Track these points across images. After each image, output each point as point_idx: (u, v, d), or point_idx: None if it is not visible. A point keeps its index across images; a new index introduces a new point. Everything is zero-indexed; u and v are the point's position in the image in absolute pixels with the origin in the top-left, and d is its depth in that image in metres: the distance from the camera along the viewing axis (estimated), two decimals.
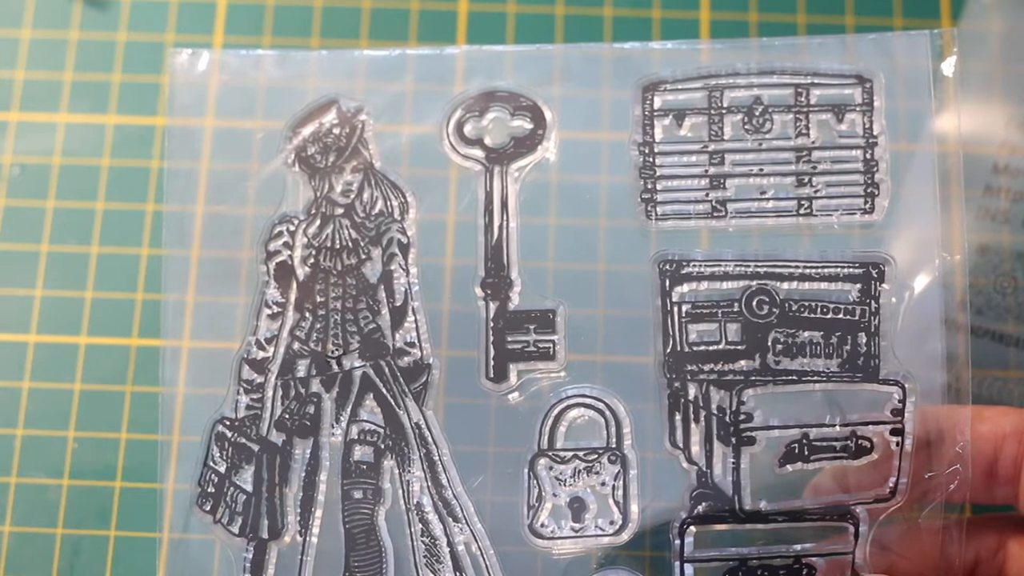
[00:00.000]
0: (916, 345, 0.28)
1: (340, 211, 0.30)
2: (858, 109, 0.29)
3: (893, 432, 0.27)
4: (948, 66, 0.29)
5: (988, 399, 0.32)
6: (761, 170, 0.29)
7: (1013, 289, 0.33)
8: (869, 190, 0.29)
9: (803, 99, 0.29)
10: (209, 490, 0.29)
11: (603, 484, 0.28)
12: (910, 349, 0.28)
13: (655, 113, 0.29)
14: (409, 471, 0.29)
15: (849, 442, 0.27)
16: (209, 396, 0.29)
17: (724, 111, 0.29)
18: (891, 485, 0.27)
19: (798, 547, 0.27)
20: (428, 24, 0.36)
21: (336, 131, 0.30)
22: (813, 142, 0.29)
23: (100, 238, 0.35)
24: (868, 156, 0.29)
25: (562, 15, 0.37)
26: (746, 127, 0.29)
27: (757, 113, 0.29)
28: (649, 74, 0.29)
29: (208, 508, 0.29)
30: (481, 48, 0.31)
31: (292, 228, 0.30)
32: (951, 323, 0.33)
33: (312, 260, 0.29)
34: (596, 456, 0.28)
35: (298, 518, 0.29)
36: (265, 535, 0.28)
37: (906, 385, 0.27)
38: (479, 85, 0.30)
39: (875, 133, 0.29)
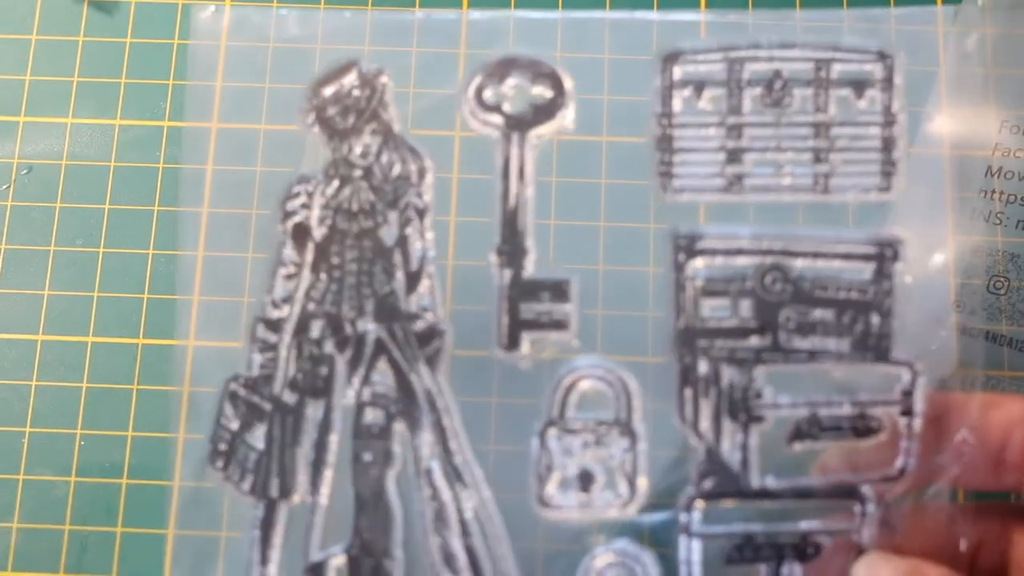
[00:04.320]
0: (928, 327, 0.28)
1: (358, 173, 0.29)
2: (878, 86, 0.29)
3: (903, 413, 0.27)
4: (971, 41, 0.30)
5: None
6: (779, 145, 0.28)
7: (1006, 290, 0.33)
8: (886, 168, 0.28)
9: (823, 74, 0.29)
10: (221, 448, 0.29)
11: (612, 457, 0.28)
12: (922, 331, 0.28)
13: (675, 84, 0.29)
14: (419, 436, 0.28)
15: (858, 422, 0.27)
16: (219, 349, 0.29)
17: (744, 84, 0.29)
18: (899, 466, 0.27)
19: (804, 525, 0.27)
20: None
21: (356, 93, 0.30)
22: (832, 118, 0.28)
23: (107, 238, 0.35)
24: (887, 134, 0.28)
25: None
26: (765, 101, 0.29)
27: (777, 87, 0.29)
28: (671, 45, 0.29)
29: (220, 465, 0.29)
30: (499, 14, 0.31)
31: (310, 189, 0.29)
32: (945, 323, 0.34)
33: (329, 222, 0.29)
34: (606, 429, 0.28)
35: (309, 478, 0.28)
36: (275, 494, 0.28)
37: (916, 367, 0.27)
38: (499, 51, 0.30)
39: (894, 111, 0.28)
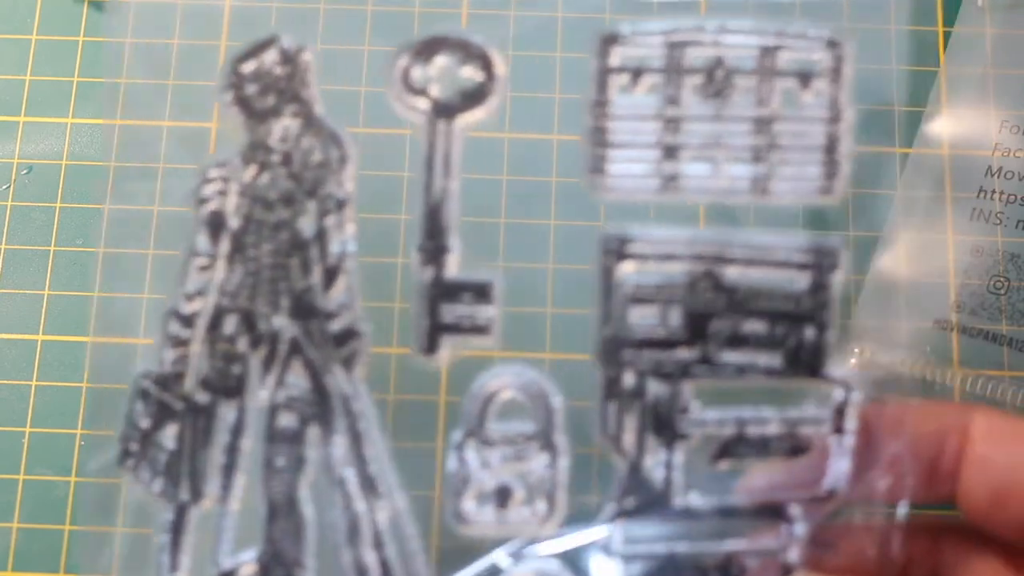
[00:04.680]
0: (872, 338, 0.27)
1: (277, 159, 0.28)
2: (826, 77, 0.27)
3: (834, 431, 0.26)
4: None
5: (982, 398, 0.33)
6: (717, 141, 0.27)
7: (1006, 290, 0.34)
8: (829, 169, 0.27)
9: (768, 62, 0.27)
10: (132, 448, 0.27)
11: (531, 472, 0.27)
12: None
13: (611, 69, 0.27)
14: (333, 441, 0.27)
15: (787, 440, 0.26)
16: (119, 347, 0.29)
17: (683, 71, 0.27)
18: (828, 485, 0.26)
19: (730, 545, 0.26)
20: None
21: (277, 71, 0.28)
22: (774, 113, 0.27)
23: (107, 239, 0.35)
24: (831, 131, 0.27)
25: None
26: (706, 91, 0.27)
27: (719, 76, 0.27)
28: (610, 27, 0.27)
29: (131, 465, 0.27)
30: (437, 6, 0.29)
31: (226, 175, 0.28)
32: (945, 323, 0.34)
33: (245, 211, 0.27)
34: (525, 442, 0.27)
35: (220, 482, 0.27)
36: (185, 497, 0.27)
37: (850, 384, 0.26)
38: (427, 31, 0.28)
39: (840, 105, 0.27)
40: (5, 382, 0.34)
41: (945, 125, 0.35)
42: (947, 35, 0.37)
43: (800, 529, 0.26)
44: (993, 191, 0.34)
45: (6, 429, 0.34)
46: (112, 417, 0.29)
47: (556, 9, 0.29)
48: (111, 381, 0.28)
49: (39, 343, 0.35)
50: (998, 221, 0.34)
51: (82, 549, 0.29)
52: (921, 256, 0.34)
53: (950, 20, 0.37)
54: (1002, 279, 0.34)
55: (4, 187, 0.36)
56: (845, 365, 0.26)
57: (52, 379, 0.34)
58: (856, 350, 0.33)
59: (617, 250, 0.27)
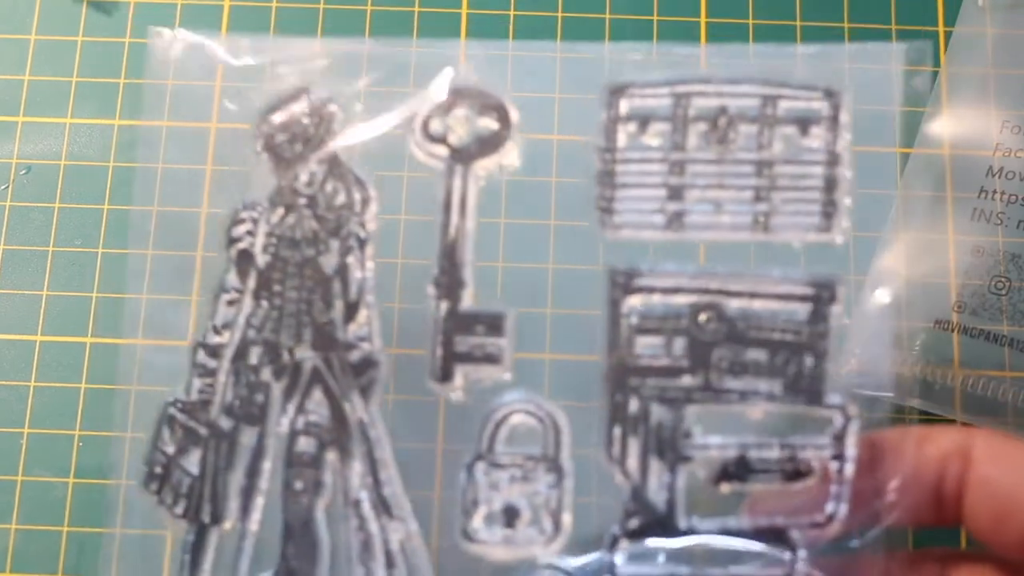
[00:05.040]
0: (866, 368, 0.28)
1: (303, 201, 0.29)
2: (824, 124, 0.28)
3: (834, 457, 0.26)
4: (922, 80, 0.29)
5: (982, 398, 0.33)
6: (721, 183, 0.28)
7: (1007, 290, 0.34)
8: (827, 209, 0.28)
9: (769, 111, 0.28)
10: (156, 471, 0.29)
11: (537, 493, 0.28)
12: (858, 373, 0.28)
13: (620, 118, 0.29)
14: (350, 466, 0.28)
15: (787, 465, 0.27)
16: (159, 393, 0.29)
17: (690, 119, 0.28)
18: (829, 511, 0.26)
19: (732, 568, 0.27)
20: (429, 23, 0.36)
21: (305, 120, 0.30)
22: (775, 156, 0.28)
23: (105, 239, 0.35)
24: (829, 174, 0.28)
25: (561, 18, 0.37)
26: (710, 137, 0.28)
27: (722, 123, 0.28)
28: (617, 78, 0.29)
29: (155, 488, 0.29)
30: (449, 46, 0.31)
31: (256, 216, 0.29)
32: (945, 323, 0.34)
33: (273, 249, 0.29)
34: (533, 464, 0.28)
35: (240, 504, 0.28)
36: (207, 519, 0.28)
37: (849, 410, 0.27)
38: (446, 82, 0.29)
39: (838, 150, 0.28)
40: (4, 383, 0.34)
41: (946, 125, 0.35)
42: (947, 35, 0.37)
43: (802, 554, 0.26)
44: (994, 191, 0.34)
45: (5, 430, 0.34)
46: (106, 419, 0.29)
47: (556, 55, 0.30)
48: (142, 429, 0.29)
49: (38, 343, 0.35)
50: (999, 221, 0.34)
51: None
52: (922, 256, 0.34)
53: (950, 20, 0.37)
54: (1003, 279, 0.34)
55: (3, 187, 0.36)
56: (844, 390, 0.27)
57: (51, 380, 0.34)
58: (856, 350, 0.33)
59: (624, 284, 0.28)
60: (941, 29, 0.37)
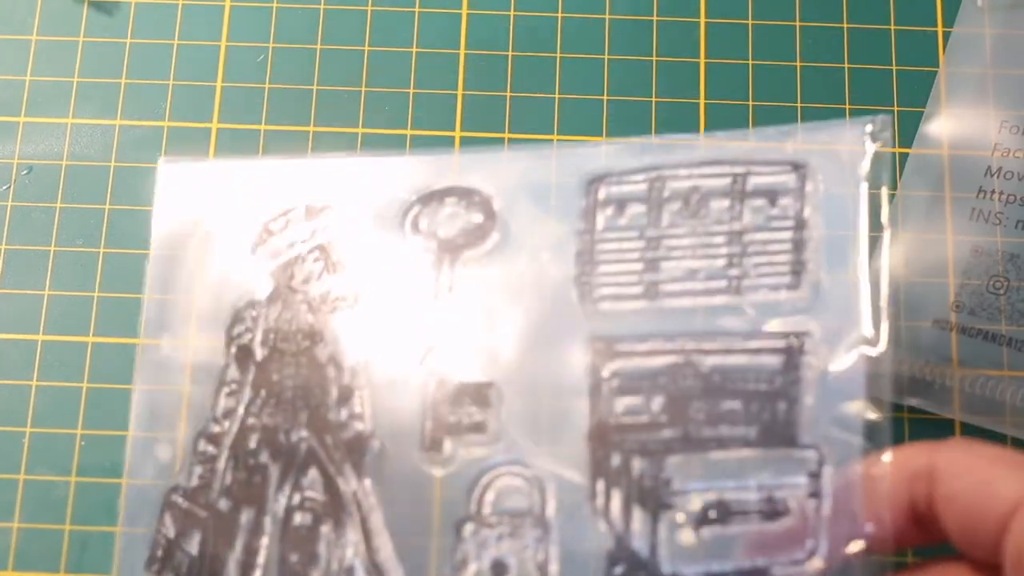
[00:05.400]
0: (837, 412, 0.28)
1: (299, 297, 0.31)
2: (791, 194, 0.30)
3: (810, 496, 0.27)
4: (879, 151, 0.30)
5: (981, 397, 0.33)
6: (694, 253, 0.30)
7: (1006, 290, 0.34)
8: (796, 268, 0.29)
9: (739, 187, 0.30)
10: (158, 554, 0.30)
11: (525, 547, 0.29)
12: (830, 416, 0.28)
13: (598, 203, 0.31)
14: (344, 535, 0.29)
15: (765, 505, 0.27)
16: (157, 486, 0.31)
17: (664, 201, 0.30)
18: (808, 548, 0.27)
19: None
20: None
21: (303, 226, 0.32)
22: (745, 226, 0.30)
23: (107, 239, 0.35)
24: (797, 237, 0.30)
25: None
26: (683, 214, 0.30)
27: (694, 200, 0.30)
28: (595, 168, 0.31)
29: (156, 569, 0.30)
30: (444, 153, 0.33)
31: (255, 314, 0.31)
32: (944, 323, 0.34)
33: (271, 343, 0.31)
34: (520, 521, 0.29)
35: None
36: None
37: (823, 449, 0.28)
38: (436, 182, 0.32)
39: (805, 216, 0.30)
40: (5, 382, 0.34)
41: (944, 125, 0.35)
42: (946, 35, 0.37)
43: None
44: (993, 191, 0.34)
45: (6, 429, 0.34)
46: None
47: (552, 149, 0.32)
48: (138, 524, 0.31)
49: (39, 343, 0.35)
50: (997, 221, 0.34)
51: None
52: (920, 256, 0.34)
53: (949, 20, 0.37)
54: (1001, 279, 0.34)
55: (4, 187, 0.36)
56: (816, 431, 0.28)
57: (52, 379, 0.34)
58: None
59: (604, 350, 0.30)
60: (940, 29, 0.37)
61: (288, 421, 0.30)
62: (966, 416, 0.33)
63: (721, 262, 0.30)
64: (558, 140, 0.36)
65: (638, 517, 0.28)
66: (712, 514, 0.28)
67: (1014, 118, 0.35)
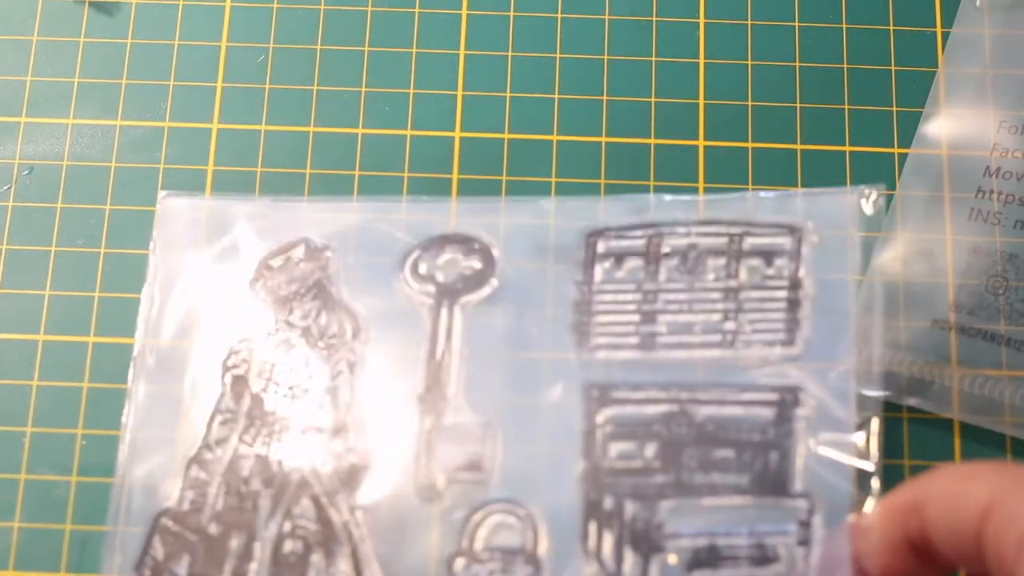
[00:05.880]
0: (828, 461, 0.29)
1: (297, 332, 0.32)
2: (786, 255, 0.31)
3: (799, 543, 0.28)
4: (873, 215, 0.31)
5: (980, 397, 0.33)
6: (691, 307, 0.31)
7: (1004, 290, 0.34)
8: (790, 326, 0.30)
9: (736, 246, 0.31)
10: (146, 574, 0.30)
11: None
12: (821, 465, 0.29)
13: (597, 256, 0.32)
14: (335, 564, 0.30)
15: (755, 551, 0.28)
16: (147, 497, 0.31)
17: (661, 256, 0.31)
18: None
19: None
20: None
21: (303, 265, 0.33)
22: (741, 283, 0.31)
23: (107, 239, 0.36)
24: (792, 296, 0.31)
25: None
26: (680, 269, 0.31)
27: (691, 257, 0.31)
28: (595, 222, 0.32)
29: None
30: (444, 200, 0.33)
31: (252, 347, 0.32)
32: (943, 323, 0.34)
33: (267, 375, 0.32)
34: (511, 557, 0.29)
35: None
36: None
37: (813, 499, 0.28)
38: (436, 227, 0.33)
39: (800, 276, 0.31)
40: (5, 382, 0.34)
41: (943, 125, 0.35)
42: (945, 35, 0.37)
43: None
44: (991, 191, 0.34)
45: (6, 429, 0.34)
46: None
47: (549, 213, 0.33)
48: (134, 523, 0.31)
49: (40, 343, 0.35)
50: (996, 221, 0.34)
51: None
52: (919, 256, 0.34)
53: (948, 20, 0.37)
54: (1000, 279, 0.34)
55: (5, 188, 0.36)
56: (806, 483, 0.29)
57: (53, 379, 0.34)
58: (855, 350, 0.33)
59: (599, 397, 0.30)
60: (939, 29, 0.37)
61: (281, 451, 0.31)
62: (965, 416, 0.33)
63: (717, 317, 0.31)
64: (556, 148, 0.36)
65: (629, 559, 0.29)
66: (703, 558, 0.28)
67: (1013, 118, 0.35)
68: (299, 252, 0.33)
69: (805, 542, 0.28)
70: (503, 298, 0.32)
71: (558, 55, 0.37)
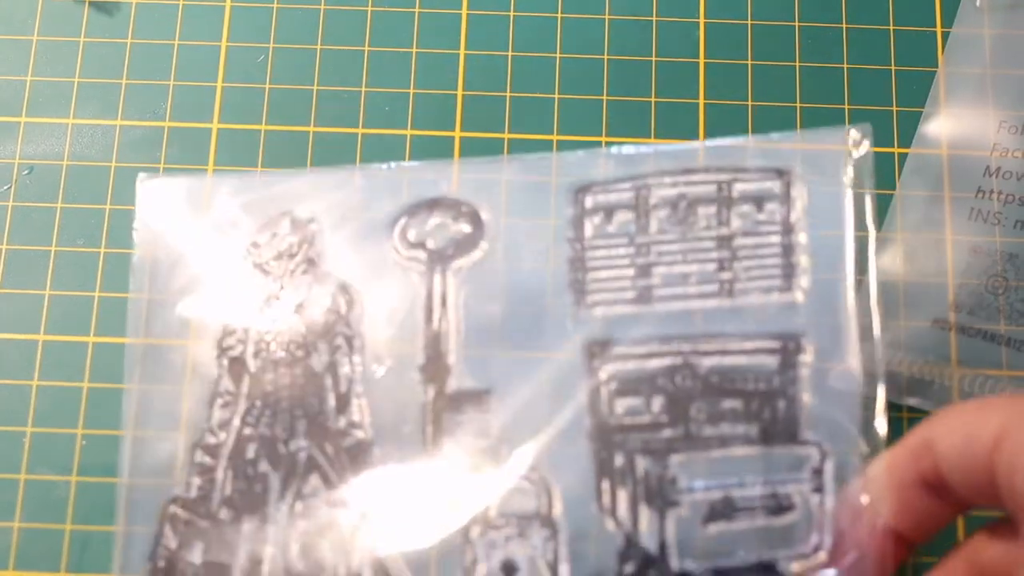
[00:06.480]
0: (836, 408, 0.29)
1: (290, 309, 0.32)
2: (777, 200, 0.31)
3: (814, 491, 0.28)
4: (861, 156, 0.31)
5: (980, 396, 0.33)
6: (685, 258, 0.31)
7: (1004, 289, 0.34)
8: (787, 272, 0.30)
9: (725, 193, 0.31)
10: (160, 565, 0.30)
11: (534, 548, 0.29)
12: (830, 412, 0.29)
13: (586, 212, 0.31)
14: (350, 543, 0.30)
15: (770, 501, 0.28)
16: (155, 487, 0.31)
17: (651, 208, 0.31)
18: (814, 542, 0.28)
19: None
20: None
21: (290, 239, 0.32)
22: (734, 231, 0.31)
23: (107, 239, 0.36)
24: (786, 242, 0.30)
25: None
26: (671, 220, 0.31)
27: (682, 207, 0.31)
28: (582, 177, 0.32)
29: None
30: (427, 164, 0.33)
31: (246, 326, 0.32)
32: (943, 323, 0.34)
33: (264, 354, 0.32)
34: (527, 522, 0.29)
35: None
36: None
37: (824, 445, 0.29)
38: (425, 193, 0.32)
39: (792, 221, 0.31)
40: (5, 382, 0.34)
41: (943, 125, 0.35)
42: (945, 35, 0.37)
43: None
44: (991, 191, 0.34)
45: (7, 429, 0.34)
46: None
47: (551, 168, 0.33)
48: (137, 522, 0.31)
49: (40, 343, 0.35)
50: (996, 221, 0.34)
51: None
52: (919, 256, 0.34)
53: (948, 20, 0.37)
54: (1000, 279, 0.34)
55: (5, 187, 0.36)
56: (817, 428, 0.29)
57: (52, 379, 0.34)
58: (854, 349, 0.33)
59: (601, 353, 0.30)
60: (939, 29, 0.37)
61: (286, 431, 0.31)
62: None
63: (712, 266, 0.30)
64: (556, 147, 0.36)
65: (645, 515, 0.29)
66: (719, 510, 0.28)
67: (1013, 118, 0.35)
68: (285, 227, 0.32)
69: (819, 489, 0.28)
70: (495, 261, 0.32)
71: (558, 55, 0.37)
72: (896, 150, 0.36)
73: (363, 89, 0.37)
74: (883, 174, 0.35)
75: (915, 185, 0.35)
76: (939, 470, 0.25)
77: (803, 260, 0.30)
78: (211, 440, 0.31)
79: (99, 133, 0.37)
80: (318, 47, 0.37)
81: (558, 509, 0.29)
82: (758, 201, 0.31)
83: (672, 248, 0.31)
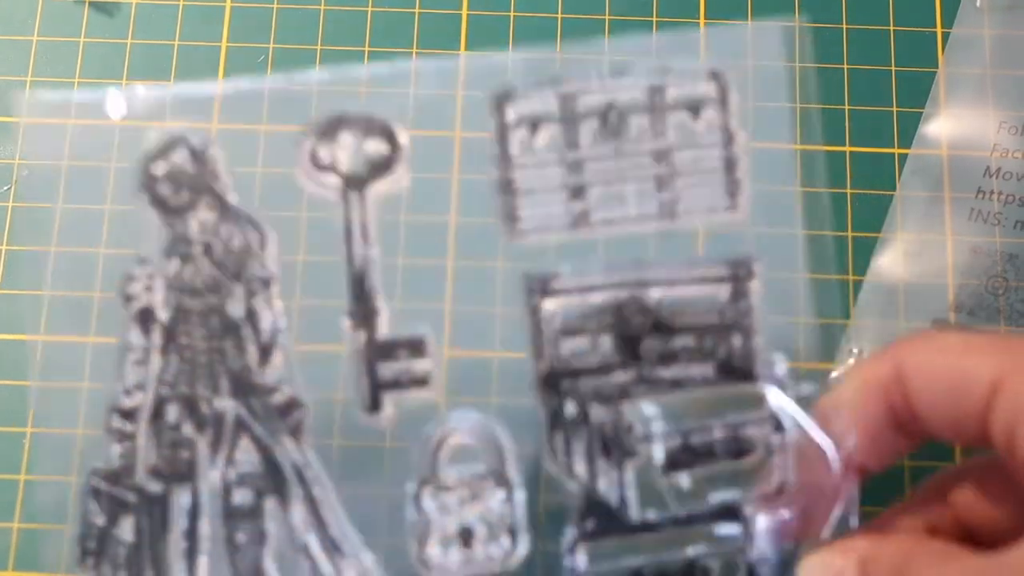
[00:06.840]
0: (787, 338, 0.28)
1: (198, 249, 0.29)
2: (713, 105, 0.28)
3: (774, 430, 0.26)
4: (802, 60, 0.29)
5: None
6: (621, 176, 0.28)
7: (1004, 290, 0.34)
8: (730, 188, 0.28)
9: (658, 99, 0.28)
10: (90, 546, 0.28)
11: (490, 510, 0.27)
12: (781, 342, 0.28)
13: (509, 125, 0.28)
14: (292, 510, 0.28)
15: (731, 444, 0.26)
16: (65, 437, 0.30)
17: (579, 118, 0.28)
18: (777, 482, 0.26)
19: (691, 550, 0.27)
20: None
21: (188, 168, 0.29)
22: (671, 144, 0.28)
23: (108, 239, 0.35)
24: (727, 154, 0.28)
25: (560, 19, 0.37)
26: (602, 133, 0.28)
27: (612, 118, 0.28)
28: (501, 84, 0.29)
29: (91, 564, 0.28)
30: (338, 71, 0.30)
31: (150, 271, 0.29)
32: (943, 323, 0.34)
33: (174, 302, 0.29)
34: (480, 482, 0.28)
35: (184, 567, 0.28)
36: None
37: (783, 382, 0.27)
38: (329, 109, 0.29)
39: (732, 129, 0.28)
40: (5, 382, 0.34)
41: (944, 126, 0.35)
42: (945, 35, 0.37)
43: (762, 526, 0.27)
44: (991, 192, 0.34)
45: (6, 429, 0.34)
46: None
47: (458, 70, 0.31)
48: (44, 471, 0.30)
49: (40, 343, 0.35)
50: (996, 222, 0.34)
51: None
52: (919, 256, 0.34)
53: (948, 21, 0.37)
54: (1000, 279, 0.34)
55: (4, 188, 0.36)
56: (777, 365, 0.27)
57: (53, 379, 0.34)
58: (855, 350, 0.33)
59: (540, 289, 0.28)
60: (939, 30, 0.37)
61: (207, 388, 0.28)
62: None
63: (650, 185, 0.28)
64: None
65: (603, 468, 0.27)
66: (678, 456, 0.26)
67: (1013, 119, 0.35)
68: (182, 155, 0.29)
69: (779, 428, 0.26)
70: (418, 186, 0.29)
71: (558, 55, 0.37)
72: (896, 150, 0.36)
73: (363, 89, 0.37)
74: (883, 174, 0.35)
75: (915, 186, 0.35)
76: (911, 405, 0.24)
77: (747, 175, 0.28)
78: (126, 403, 0.28)
79: (99, 134, 0.37)
80: (318, 47, 0.37)
81: (511, 466, 0.27)
82: (693, 107, 0.28)
83: (606, 166, 0.28)
